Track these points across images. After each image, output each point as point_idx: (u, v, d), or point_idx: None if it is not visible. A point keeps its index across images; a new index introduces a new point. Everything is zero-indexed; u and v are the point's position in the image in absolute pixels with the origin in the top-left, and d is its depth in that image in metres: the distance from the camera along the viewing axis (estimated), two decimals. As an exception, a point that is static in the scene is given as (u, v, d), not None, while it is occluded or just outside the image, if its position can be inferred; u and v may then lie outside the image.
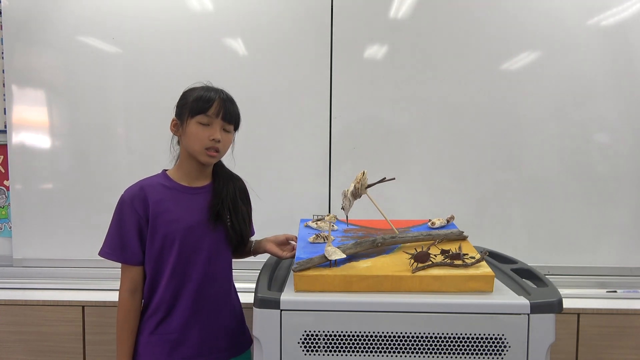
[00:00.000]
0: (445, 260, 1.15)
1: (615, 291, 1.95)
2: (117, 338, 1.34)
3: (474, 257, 1.17)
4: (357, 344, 1.08)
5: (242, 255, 1.51)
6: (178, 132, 1.34)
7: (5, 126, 2.04)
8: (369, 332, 1.08)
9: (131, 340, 1.33)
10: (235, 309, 1.46)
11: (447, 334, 1.07)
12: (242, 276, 2.02)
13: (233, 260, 1.46)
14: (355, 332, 1.08)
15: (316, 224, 1.48)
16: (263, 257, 1.45)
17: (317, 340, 1.08)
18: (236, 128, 1.38)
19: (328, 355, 1.08)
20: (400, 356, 1.08)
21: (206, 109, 1.29)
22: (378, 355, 1.08)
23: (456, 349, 1.08)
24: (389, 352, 1.08)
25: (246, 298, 1.87)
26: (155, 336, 1.33)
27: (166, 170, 1.39)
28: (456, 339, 1.07)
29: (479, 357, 1.07)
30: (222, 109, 1.31)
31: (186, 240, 1.31)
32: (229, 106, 1.33)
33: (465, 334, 1.07)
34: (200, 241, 1.33)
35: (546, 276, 1.28)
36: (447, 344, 1.08)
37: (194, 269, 1.33)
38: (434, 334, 1.07)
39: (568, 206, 1.98)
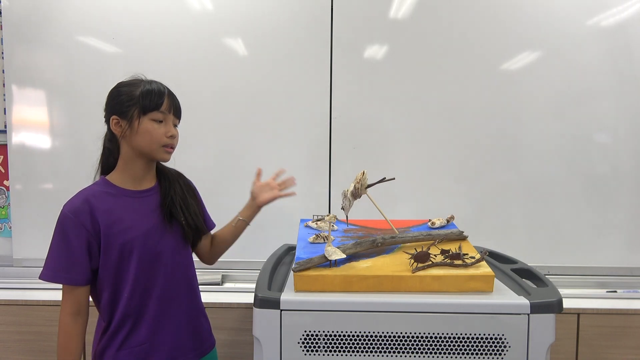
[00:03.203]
0: (445, 260, 1.15)
1: (616, 291, 1.95)
2: None
3: (474, 257, 1.17)
4: (357, 344, 1.08)
5: (219, 251, 1.45)
6: (124, 132, 1.22)
7: (5, 126, 2.04)
8: (369, 332, 1.08)
9: None
10: (200, 307, 1.40)
11: (447, 334, 1.07)
12: (242, 276, 2.04)
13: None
14: (355, 332, 1.08)
15: (316, 224, 1.48)
16: (263, 258, 1.45)
17: (317, 340, 1.08)
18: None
19: (328, 355, 1.08)
20: (400, 356, 1.08)
21: (159, 104, 1.22)
22: (378, 355, 1.08)
23: (456, 349, 1.08)
24: (389, 352, 1.08)
25: (246, 298, 1.88)
26: (125, 350, 1.25)
27: (104, 176, 1.29)
28: (456, 339, 1.07)
29: (479, 357, 1.07)
30: (172, 103, 1.25)
31: (145, 246, 1.24)
32: (176, 100, 1.27)
33: (465, 334, 1.07)
34: (158, 245, 1.26)
35: (546, 276, 1.28)
36: (447, 344, 1.08)
37: (157, 274, 1.26)
38: (434, 334, 1.07)
39: (568, 206, 1.98)
